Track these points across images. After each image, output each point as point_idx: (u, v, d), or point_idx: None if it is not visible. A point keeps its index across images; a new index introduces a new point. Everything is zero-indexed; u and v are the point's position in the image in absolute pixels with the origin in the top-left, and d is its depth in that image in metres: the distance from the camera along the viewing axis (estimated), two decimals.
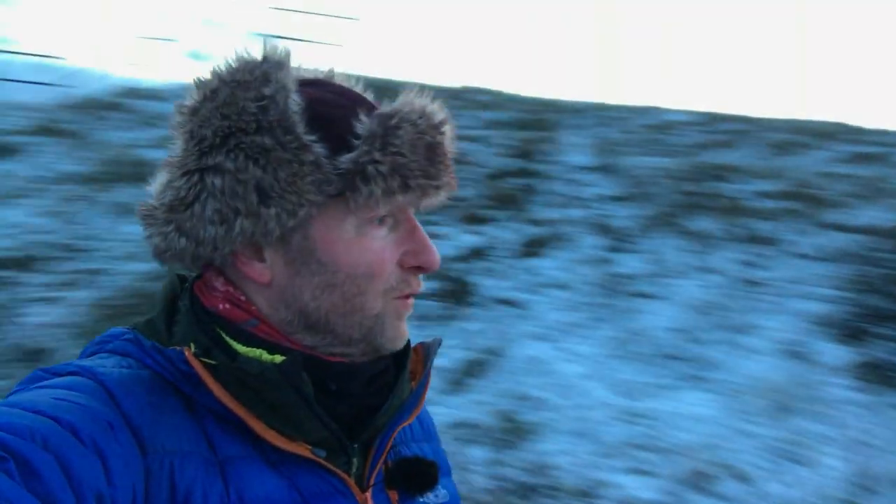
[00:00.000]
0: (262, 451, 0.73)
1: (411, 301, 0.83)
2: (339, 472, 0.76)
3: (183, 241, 0.74)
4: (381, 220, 0.78)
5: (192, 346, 0.73)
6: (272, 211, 0.73)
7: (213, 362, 0.72)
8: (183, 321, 0.78)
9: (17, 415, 0.59)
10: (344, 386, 0.80)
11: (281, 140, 0.71)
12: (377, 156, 0.74)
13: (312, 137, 0.72)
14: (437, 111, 0.79)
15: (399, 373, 0.85)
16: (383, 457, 0.82)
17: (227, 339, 0.76)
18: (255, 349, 0.75)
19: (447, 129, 0.79)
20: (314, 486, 0.74)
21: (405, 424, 0.86)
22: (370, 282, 0.78)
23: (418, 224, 0.81)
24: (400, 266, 0.79)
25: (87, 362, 0.71)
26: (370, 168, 0.74)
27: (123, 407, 0.66)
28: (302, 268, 0.78)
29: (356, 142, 0.73)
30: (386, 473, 0.82)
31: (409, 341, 0.87)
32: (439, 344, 0.94)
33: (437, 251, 0.81)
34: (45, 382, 0.67)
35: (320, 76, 0.82)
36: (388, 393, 0.83)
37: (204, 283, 0.80)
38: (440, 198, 0.79)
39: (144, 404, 0.68)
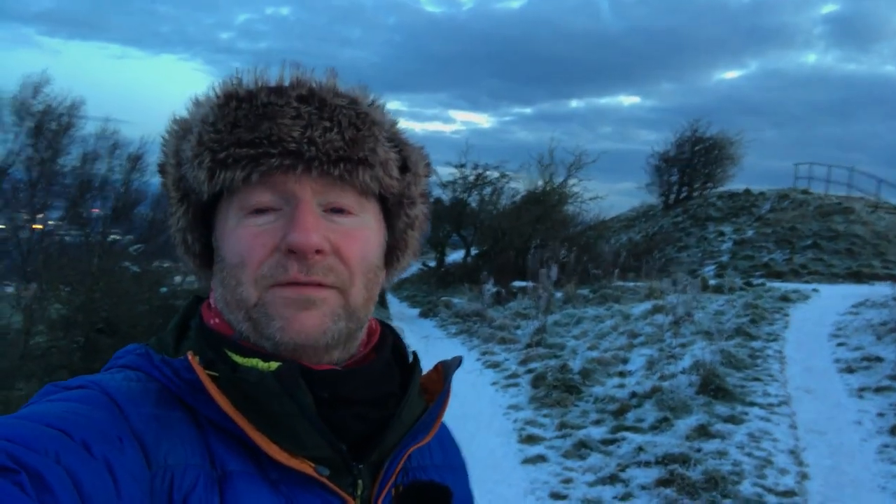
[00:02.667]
0: (263, 467, 0.73)
1: (301, 290, 0.76)
2: (342, 492, 0.75)
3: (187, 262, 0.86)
4: (265, 210, 0.78)
5: (197, 357, 0.74)
6: (174, 222, 0.85)
7: (215, 374, 0.74)
8: (191, 337, 0.82)
9: (29, 427, 0.60)
10: (335, 393, 0.79)
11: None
12: (191, 140, 0.79)
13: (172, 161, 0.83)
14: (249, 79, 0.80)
15: (407, 387, 0.84)
16: (392, 479, 0.80)
17: (228, 352, 0.78)
18: (251, 359, 0.77)
19: (263, 92, 0.78)
20: (309, 502, 0.73)
21: (419, 446, 0.84)
22: (242, 271, 0.77)
23: (309, 208, 0.77)
24: (280, 252, 0.77)
25: (96, 377, 0.74)
26: (187, 154, 0.79)
27: (131, 420, 0.68)
28: (216, 266, 0.83)
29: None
30: (395, 499, 0.81)
31: (415, 354, 0.89)
32: (459, 363, 0.93)
33: (312, 232, 0.76)
34: (56, 396, 0.69)
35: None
36: (395, 408, 0.82)
37: (208, 302, 0.85)
38: (316, 166, 0.76)
39: (150, 417, 0.70)
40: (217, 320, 0.82)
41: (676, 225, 23.87)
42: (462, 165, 21.27)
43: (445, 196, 21.43)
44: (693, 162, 26.90)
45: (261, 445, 0.71)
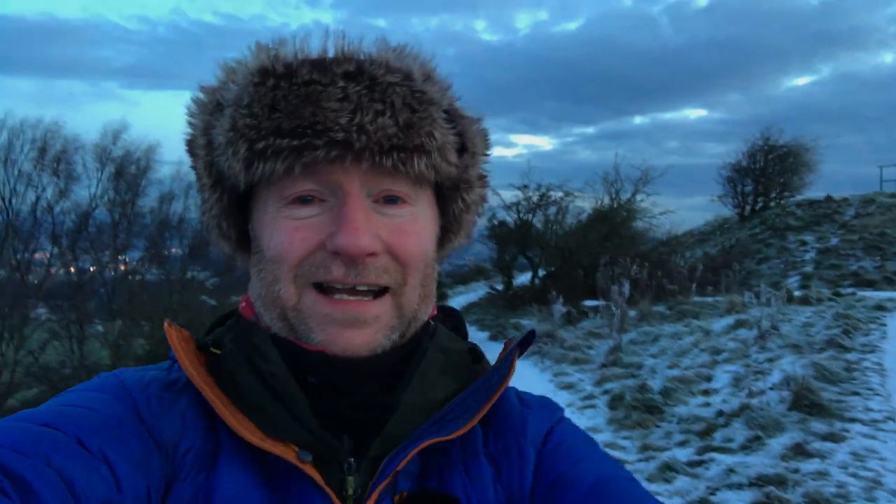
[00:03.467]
0: (262, 453, 0.67)
1: (347, 307, 0.69)
2: (326, 488, 0.65)
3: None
4: (308, 199, 0.70)
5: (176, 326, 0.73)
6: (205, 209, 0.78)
7: (217, 351, 0.72)
8: (227, 326, 0.78)
9: (21, 430, 0.57)
10: (327, 379, 0.70)
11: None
12: (224, 124, 0.70)
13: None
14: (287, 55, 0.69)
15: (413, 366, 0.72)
16: (388, 480, 0.67)
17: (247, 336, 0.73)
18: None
19: (306, 71, 0.68)
20: (292, 497, 0.65)
21: (437, 441, 0.69)
22: (280, 267, 0.70)
23: (358, 204, 0.69)
24: (325, 251, 0.69)
25: (121, 369, 0.74)
26: (219, 139, 0.70)
27: (137, 402, 0.67)
28: (253, 257, 0.76)
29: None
30: None
31: (434, 327, 0.76)
32: (528, 340, 0.78)
33: (363, 233, 0.67)
34: (77, 386, 0.70)
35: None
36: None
37: (248, 294, 0.79)
38: (362, 158, 0.66)
39: (152, 398, 0.69)
40: (244, 304, 0.77)
41: (754, 236, 22.95)
42: (525, 187, 21.10)
43: (510, 218, 21.28)
44: (767, 171, 25.89)
45: (230, 423, 0.66)
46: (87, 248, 20.63)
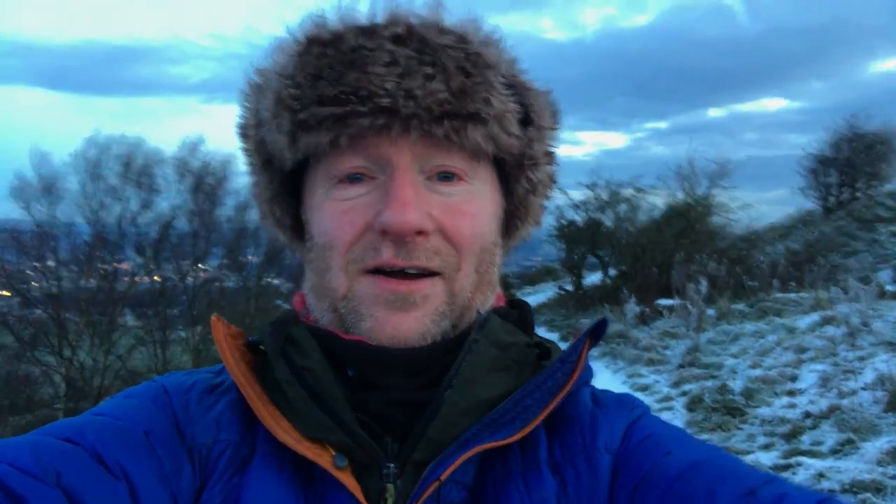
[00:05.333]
0: (298, 455, 0.62)
1: (397, 286, 0.63)
2: (359, 496, 0.59)
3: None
4: (358, 178, 0.64)
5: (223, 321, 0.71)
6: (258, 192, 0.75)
7: (262, 348, 0.69)
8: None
9: (39, 446, 0.56)
10: (364, 372, 0.64)
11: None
12: (269, 97, 0.66)
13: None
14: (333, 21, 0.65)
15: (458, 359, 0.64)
16: (431, 489, 0.59)
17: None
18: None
19: (352, 37, 0.63)
20: None
21: (493, 446, 0.61)
22: (331, 254, 0.65)
23: (407, 178, 0.63)
24: (374, 232, 0.63)
25: (170, 373, 0.74)
26: (265, 114, 0.67)
27: (174, 403, 0.67)
28: (305, 246, 0.71)
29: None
30: None
31: (484, 316, 0.67)
32: (599, 330, 0.68)
33: (410, 209, 0.61)
34: (115, 394, 0.69)
35: None
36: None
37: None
38: (412, 127, 0.61)
39: (192, 402, 0.67)
40: (297, 298, 0.74)
41: (840, 229, 21.74)
42: (594, 185, 20.67)
43: (578, 217, 20.90)
44: (853, 160, 24.51)
45: (266, 423, 0.62)
46: (169, 258, 21.54)
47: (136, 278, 21.17)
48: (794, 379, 7.45)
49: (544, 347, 0.72)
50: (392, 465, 0.61)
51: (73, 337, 18.12)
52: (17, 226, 19.51)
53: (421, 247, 0.63)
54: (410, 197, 0.62)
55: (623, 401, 0.71)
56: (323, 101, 0.61)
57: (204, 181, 21.50)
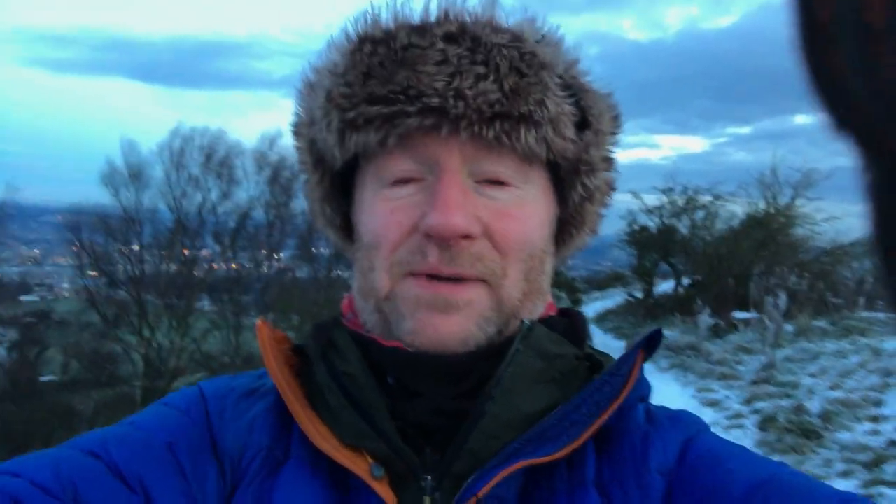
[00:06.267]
0: (334, 462, 0.61)
1: (439, 288, 0.61)
2: None
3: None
4: (407, 180, 0.62)
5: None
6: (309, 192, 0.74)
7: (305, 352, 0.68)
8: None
9: (60, 460, 0.56)
10: (404, 379, 0.62)
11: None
12: (320, 95, 0.66)
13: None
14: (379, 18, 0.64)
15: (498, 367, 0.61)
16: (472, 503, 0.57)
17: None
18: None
19: (404, 34, 0.62)
20: None
21: (536, 462, 0.58)
22: (376, 254, 0.63)
23: (455, 180, 0.60)
24: (420, 234, 0.61)
25: (215, 378, 0.74)
26: (317, 113, 0.66)
27: (210, 409, 0.67)
28: (354, 246, 0.70)
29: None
30: None
31: (528, 325, 0.63)
32: (653, 341, 0.64)
33: (455, 211, 0.58)
34: (161, 399, 0.70)
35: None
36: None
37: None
38: (462, 128, 0.59)
39: (228, 406, 0.67)
40: (345, 301, 0.72)
41: None
42: (670, 190, 20.09)
43: (652, 223, 20.38)
44: None
45: (304, 427, 0.61)
46: (245, 246, 22.31)
47: (214, 265, 22.02)
48: (878, 404, 7.03)
49: (596, 360, 0.69)
50: (429, 477, 0.59)
51: (153, 319, 19.02)
52: (105, 210, 20.59)
53: (466, 251, 0.61)
54: (457, 199, 0.60)
55: (678, 418, 0.66)
56: (372, 99, 0.60)
57: (281, 174, 22.16)
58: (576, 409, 0.60)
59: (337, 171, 0.69)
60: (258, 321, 0.68)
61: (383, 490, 0.58)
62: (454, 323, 0.61)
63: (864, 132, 0.20)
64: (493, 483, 0.56)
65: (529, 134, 0.60)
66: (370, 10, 0.65)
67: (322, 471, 0.61)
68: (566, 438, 0.58)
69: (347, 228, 0.73)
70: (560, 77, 0.64)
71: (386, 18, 0.64)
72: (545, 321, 0.67)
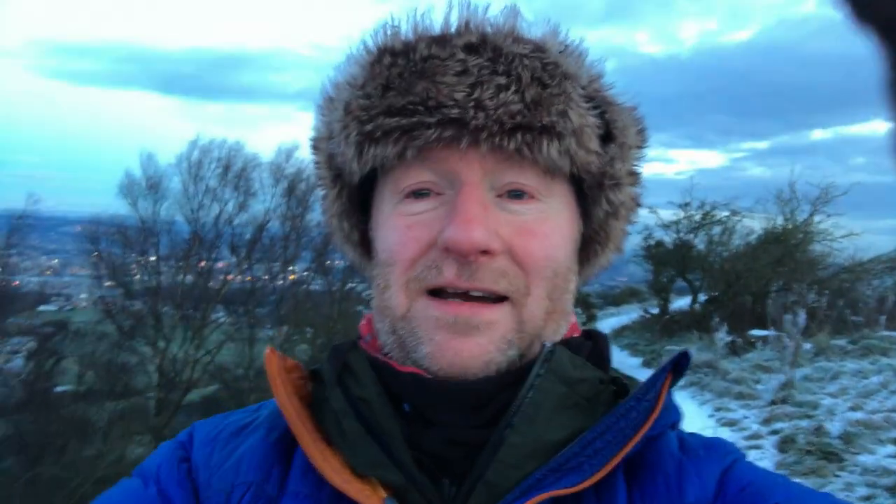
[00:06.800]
0: (339, 496, 0.58)
1: (459, 309, 0.58)
2: None
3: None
4: (425, 193, 0.60)
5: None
6: (326, 214, 0.74)
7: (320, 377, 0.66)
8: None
9: None
10: (420, 407, 0.60)
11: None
12: (339, 108, 0.65)
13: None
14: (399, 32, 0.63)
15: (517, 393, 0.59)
16: None
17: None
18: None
19: (424, 47, 0.60)
20: None
21: (559, 494, 0.54)
22: (392, 271, 0.61)
23: (475, 194, 0.58)
24: (438, 249, 0.59)
25: (206, 420, 0.73)
26: (335, 126, 0.65)
27: (195, 458, 0.65)
28: (372, 263, 0.68)
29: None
30: None
31: (549, 349, 0.61)
32: (683, 362, 0.61)
33: (476, 226, 0.56)
34: (119, 482, 0.68)
35: None
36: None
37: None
38: (482, 140, 0.58)
39: (216, 450, 0.65)
40: (364, 322, 0.70)
41: None
42: (686, 205, 19.93)
43: (668, 238, 20.22)
44: None
45: (313, 458, 0.58)
46: (261, 258, 22.40)
47: (229, 276, 22.11)
48: None
49: (622, 384, 0.65)
50: None
51: (168, 330, 19.09)
52: (123, 221, 20.78)
53: (486, 267, 0.58)
54: (477, 213, 0.58)
55: (714, 446, 0.63)
56: (391, 111, 0.59)
57: (297, 186, 22.25)
58: (600, 436, 0.57)
59: (355, 186, 0.67)
60: (267, 350, 0.66)
61: None
62: (475, 345, 0.58)
63: (885, 23, 0.19)
64: None
65: (552, 146, 0.58)
66: (390, 22, 0.63)
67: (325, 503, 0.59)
68: (590, 468, 0.55)
69: (365, 245, 0.71)
70: (583, 88, 0.62)
71: (406, 30, 0.63)
72: (567, 343, 0.65)
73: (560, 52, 0.62)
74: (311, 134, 0.71)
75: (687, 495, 0.57)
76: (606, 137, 0.64)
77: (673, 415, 0.63)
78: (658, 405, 0.59)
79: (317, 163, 0.71)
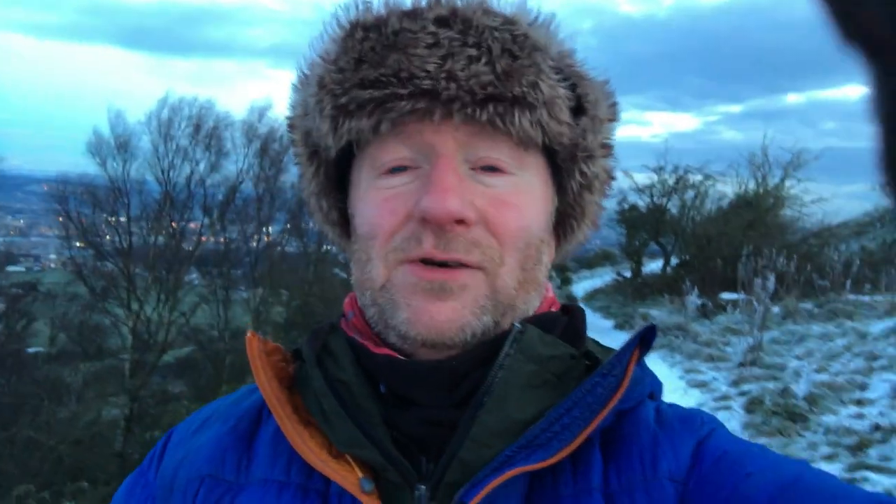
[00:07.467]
0: (309, 478, 0.62)
1: (434, 273, 0.60)
2: None
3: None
4: (402, 168, 0.62)
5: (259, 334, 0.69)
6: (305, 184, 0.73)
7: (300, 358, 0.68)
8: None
9: None
10: (394, 387, 0.62)
11: None
12: (313, 84, 0.65)
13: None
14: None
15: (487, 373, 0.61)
16: None
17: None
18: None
19: (395, 19, 0.61)
20: None
21: (529, 470, 0.57)
22: (373, 243, 0.62)
23: (449, 165, 0.60)
24: (415, 221, 0.60)
25: (214, 404, 0.75)
26: (310, 101, 0.66)
27: (165, 464, 0.69)
28: (351, 240, 0.69)
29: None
30: None
31: (520, 328, 0.63)
32: (649, 336, 0.63)
33: (450, 195, 0.58)
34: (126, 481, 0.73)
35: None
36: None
37: None
38: (454, 111, 0.59)
39: (186, 447, 0.69)
40: (347, 300, 0.71)
41: None
42: (660, 169, 20.09)
43: (642, 202, 20.42)
44: None
45: (290, 437, 0.61)
46: (234, 220, 22.14)
47: (203, 238, 21.86)
48: (863, 388, 7.14)
49: (595, 358, 0.67)
50: (424, 486, 0.59)
51: (141, 291, 18.89)
52: (92, 181, 20.32)
53: (461, 237, 0.60)
54: (452, 183, 0.59)
55: (689, 418, 0.64)
56: (364, 84, 0.60)
57: (270, 146, 21.91)
58: (567, 412, 0.59)
59: (332, 163, 0.68)
60: (248, 334, 0.67)
61: (372, 503, 0.57)
62: (450, 308, 0.60)
63: (873, 42, 0.19)
64: (484, 492, 0.56)
65: (524, 117, 0.60)
66: None
67: (293, 489, 0.61)
68: (558, 444, 0.57)
69: (344, 225, 0.72)
70: (554, 61, 0.63)
71: (378, 5, 0.64)
72: (543, 318, 0.67)
73: (530, 25, 0.64)
74: (288, 113, 0.72)
75: (660, 467, 0.59)
76: (578, 110, 0.65)
77: (648, 386, 0.65)
78: (625, 379, 0.60)
79: (293, 141, 0.72)
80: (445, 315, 0.60)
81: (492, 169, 0.62)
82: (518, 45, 0.61)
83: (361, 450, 0.58)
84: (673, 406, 0.66)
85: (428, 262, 0.60)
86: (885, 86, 0.20)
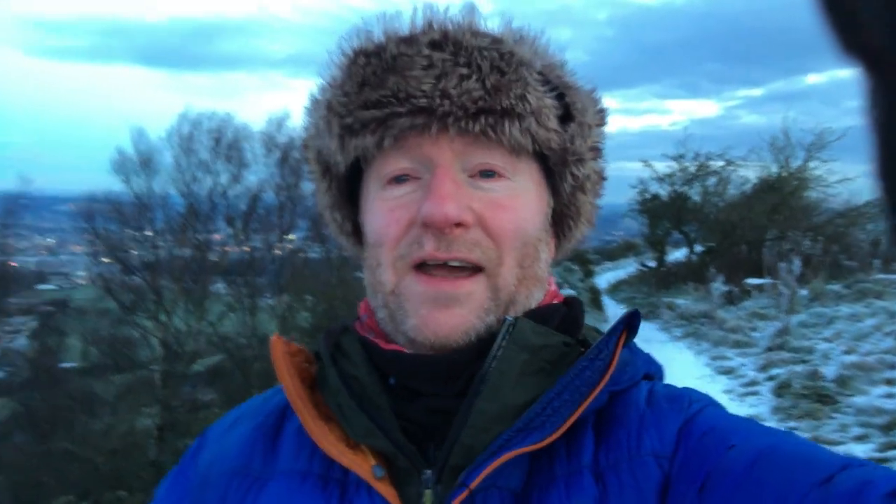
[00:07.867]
0: (329, 468, 0.67)
1: (440, 285, 0.65)
2: (394, 503, 0.62)
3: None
4: (405, 179, 0.68)
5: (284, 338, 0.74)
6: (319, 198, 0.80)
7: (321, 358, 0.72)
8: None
9: None
10: (402, 379, 0.68)
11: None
12: (322, 107, 0.72)
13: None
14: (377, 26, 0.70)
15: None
16: (463, 496, 0.60)
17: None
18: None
19: (394, 45, 0.67)
20: None
21: (525, 451, 0.61)
22: (381, 250, 0.68)
23: (447, 173, 0.66)
24: (418, 227, 0.66)
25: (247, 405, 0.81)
26: (320, 123, 0.72)
27: (200, 460, 0.75)
28: (363, 248, 0.74)
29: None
30: None
31: (511, 321, 0.67)
32: (633, 322, 0.68)
33: (448, 201, 0.64)
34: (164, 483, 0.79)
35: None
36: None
37: None
38: (451, 126, 0.64)
39: (217, 441, 0.75)
40: (362, 303, 0.76)
41: None
42: (681, 156, 19.88)
43: (663, 191, 20.23)
44: None
45: (311, 432, 0.66)
46: (257, 229, 22.38)
47: (227, 248, 22.12)
48: (894, 367, 7.02)
49: (588, 344, 0.71)
50: (430, 471, 0.63)
51: (169, 303, 19.17)
52: (117, 198, 20.68)
53: (461, 238, 0.65)
54: (449, 190, 0.65)
55: (678, 397, 0.67)
56: (367, 105, 0.66)
57: (290, 155, 22.10)
58: (557, 396, 0.63)
59: (343, 178, 0.74)
60: (273, 337, 0.74)
61: (384, 488, 0.62)
62: (456, 316, 0.65)
63: (871, 54, 0.19)
64: (484, 474, 0.60)
65: (514, 126, 0.65)
66: (363, 27, 0.71)
67: (314, 479, 0.67)
68: (550, 426, 0.61)
69: (357, 234, 0.77)
70: (540, 73, 0.69)
71: (377, 33, 0.70)
72: (540, 310, 0.71)
73: (515, 42, 0.69)
74: (302, 135, 0.79)
75: (644, 445, 0.62)
76: (567, 118, 0.70)
77: (642, 368, 0.70)
78: (612, 362, 0.65)
79: (307, 160, 0.79)
80: (452, 323, 0.65)
81: (488, 174, 0.68)
82: (505, 61, 0.66)
83: (374, 439, 0.64)
84: (667, 386, 0.70)
85: (431, 264, 0.66)
86: (882, 97, 0.20)
